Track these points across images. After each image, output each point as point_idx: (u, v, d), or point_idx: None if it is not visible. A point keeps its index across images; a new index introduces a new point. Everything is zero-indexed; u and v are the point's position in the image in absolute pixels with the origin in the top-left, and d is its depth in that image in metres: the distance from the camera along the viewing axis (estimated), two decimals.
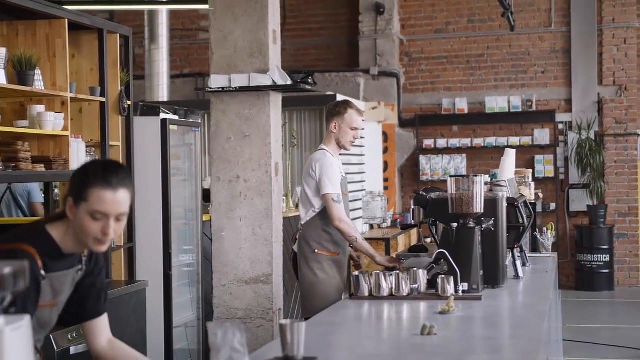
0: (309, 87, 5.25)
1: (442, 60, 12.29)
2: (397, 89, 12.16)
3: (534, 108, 11.90)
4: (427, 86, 12.34)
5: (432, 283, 4.00)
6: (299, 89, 5.23)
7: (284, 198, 8.02)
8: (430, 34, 12.30)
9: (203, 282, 6.58)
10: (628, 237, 11.77)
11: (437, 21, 12.29)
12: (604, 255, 11.41)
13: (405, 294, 3.93)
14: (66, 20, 5.20)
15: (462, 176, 4.19)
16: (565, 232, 11.88)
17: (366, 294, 3.98)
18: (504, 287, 4.29)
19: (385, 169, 11.54)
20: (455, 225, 4.08)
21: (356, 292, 4.00)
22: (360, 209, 9.55)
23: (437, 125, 12.23)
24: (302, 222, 5.10)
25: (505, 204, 4.41)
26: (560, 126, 11.90)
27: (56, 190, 5.91)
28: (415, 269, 4.05)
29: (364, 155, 9.94)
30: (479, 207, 4.09)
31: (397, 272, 4.02)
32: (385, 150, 11.57)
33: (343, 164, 5.38)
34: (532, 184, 6.39)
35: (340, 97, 8.06)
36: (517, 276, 4.63)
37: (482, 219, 4.21)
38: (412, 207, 4.90)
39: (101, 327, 2.85)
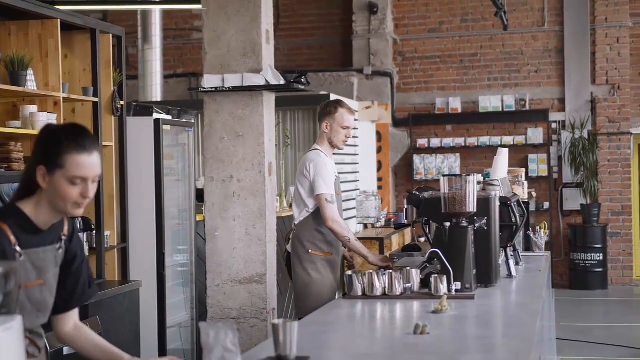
0: (303, 87, 5.25)
1: (436, 59, 12.30)
2: (391, 88, 12.17)
3: (528, 107, 11.92)
4: (421, 86, 12.35)
5: (425, 282, 4.01)
6: (292, 88, 5.23)
7: (278, 198, 8.02)
8: (424, 33, 12.32)
9: (197, 282, 6.58)
10: (621, 236, 11.79)
11: (431, 21, 12.30)
12: (598, 254, 11.43)
13: (398, 294, 3.93)
14: (58, 20, 5.19)
15: (455, 175, 4.20)
16: (559, 231, 11.90)
17: (359, 293, 3.98)
18: (496, 286, 4.29)
19: (379, 169, 11.55)
20: (448, 224, 4.09)
21: (349, 291, 4.00)
22: (354, 208, 9.56)
23: (431, 124, 12.24)
24: (296, 222, 5.10)
25: (497, 203, 4.42)
26: (554, 125, 11.92)
27: None
28: (408, 268, 4.05)
29: (357, 154, 9.95)
30: (471, 206, 4.09)
31: (390, 271, 4.02)
32: (379, 150, 11.58)
33: (336, 163, 5.39)
34: (526, 183, 6.39)
35: (333, 97, 8.06)
36: (510, 275, 4.64)
37: (475, 218, 4.21)
38: (406, 206, 4.90)
39: (72, 312, 2.78)
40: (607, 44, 11.81)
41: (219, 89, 5.08)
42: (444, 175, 4.19)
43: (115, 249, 5.75)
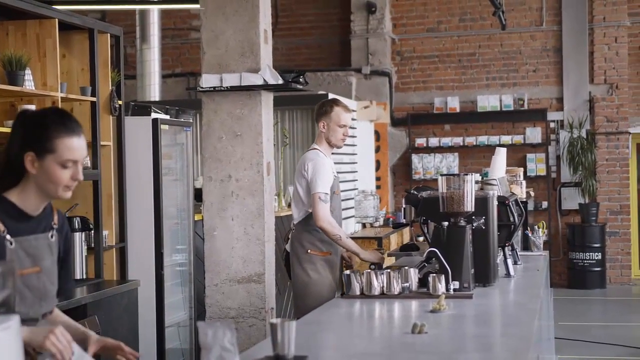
0: (301, 87, 5.26)
1: (434, 59, 12.30)
2: (389, 87, 12.17)
3: (526, 107, 11.92)
4: (419, 85, 12.35)
5: (423, 282, 4.01)
6: (290, 88, 5.23)
7: (276, 197, 8.02)
8: (422, 32, 12.32)
9: (195, 282, 6.58)
10: (620, 235, 11.80)
11: (429, 20, 12.31)
12: (596, 253, 11.44)
13: (396, 293, 3.94)
14: (56, 20, 5.19)
15: (453, 175, 4.20)
16: (557, 230, 11.90)
17: (357, 292, 3.98)
18: (495, 286, 4.29)
19: (377, 168, 11.55)
20: (446, 223, 4.09)
21: (347, 290, 4.01)
22: (353, 207, 9.56)
23: (429, 124, 12.24)
24: (295, 222, 5.10)
25: (495, 203, 4.42)
26: (552, 125, 11.92)
27: None
28: (406, 267, 4.05)
29: (356, 154, 9.95)
30: (469, 205, 4.10)
31: (389, 270, 4.02)
32: (377, 149, 11.58)
33: (335, 163, 5.38)
34: (524, 182, 6.39)
35: (331, 97, 8.06)
36: (508, 274, 4.64)
37: (473, 217, 4.21)
38: (404, 206, 4.91)
39: None
40: (605, 43, 11.81)
41: (217, 88, 5.08)
42: (442, 175, 4.19)
43: (114, 249, 5.75)
